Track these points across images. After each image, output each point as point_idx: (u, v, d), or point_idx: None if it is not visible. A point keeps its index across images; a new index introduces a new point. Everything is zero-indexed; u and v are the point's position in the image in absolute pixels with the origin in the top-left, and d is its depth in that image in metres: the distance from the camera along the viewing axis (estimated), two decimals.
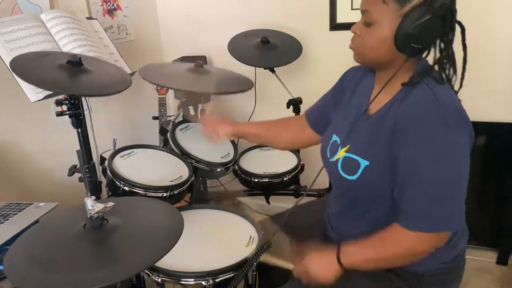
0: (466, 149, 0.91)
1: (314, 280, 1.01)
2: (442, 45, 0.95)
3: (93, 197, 0.90)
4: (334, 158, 1.07)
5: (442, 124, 0.87)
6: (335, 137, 1.11)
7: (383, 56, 0.95)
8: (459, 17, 0.95)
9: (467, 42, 1.00)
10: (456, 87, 1.00)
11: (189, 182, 1.49)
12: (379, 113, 0.99)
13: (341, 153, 1.05)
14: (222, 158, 1.75)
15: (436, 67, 0.98)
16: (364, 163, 0.99)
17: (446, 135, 0.87)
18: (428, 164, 0.89)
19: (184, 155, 1.64)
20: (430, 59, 1.00)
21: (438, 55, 0.97)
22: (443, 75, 0.97)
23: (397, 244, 0.95)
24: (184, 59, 2.30)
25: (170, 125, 1.75)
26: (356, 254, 0.99)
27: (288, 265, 1.08)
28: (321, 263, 1.01)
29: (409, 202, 0.92)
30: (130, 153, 1.56)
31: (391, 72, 0.96)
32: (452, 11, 0.91)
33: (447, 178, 0.89)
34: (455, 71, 0.98)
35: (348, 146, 1.04)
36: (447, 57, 0.96)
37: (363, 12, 0.95)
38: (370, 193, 1.01)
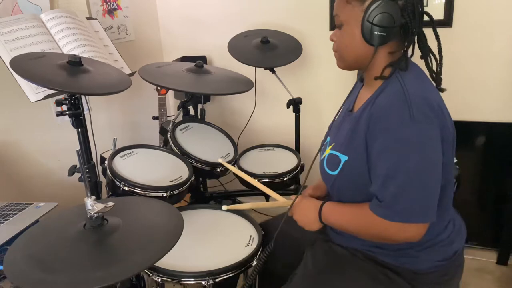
0: (434, 142, 0.92)
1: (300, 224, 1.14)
2: (415, 37, 0.98)
3: (93, 197, 0.90)
4: (322, 157, 1.14)
5: (407, 118, 0.89)
6: (328, 139, 1.17)
7: (358, 53, 1.00)
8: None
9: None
10: (437, 78, 1.04)
11: (189, 182, 1.49)
12: (359, 110, 1.03)
13: (327, 151, 1.11)
14: (222, 158, 1.75)
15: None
16: (343, 158, 1.03)
17: (411, 128, 0.89)
18: (392, 156, 0.91)
19: (184, 155, 1.64)
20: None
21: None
22: (429, 66, 1.02)
23: (369, 226, 1.00)
24: (184, 59, 2.30)
25: (170, 125, 1.75)
26: (334, 219, 1.08)
27: (284, 203, 1.21)
28: (306, 215, 1.13)
29: (378, 193, 0.95)
30: (130, 153, 1.56)
31: (372, 72, 1.01)
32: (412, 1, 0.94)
33: (411, 171, 0.91)
34: (431, 56, 1.02)
35: (333, 144, 1.10)
36: (409, 44, 0.99)
37: (334, 17, 1.03)
38: (352, 187, 1.04)
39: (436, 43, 1.02)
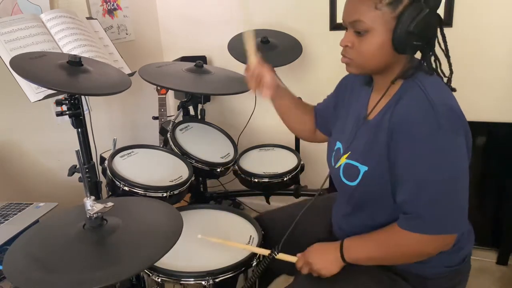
0: (461, 149, 0.91)
1: (315, 272, 1.03)
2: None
3: (93, 197, 0.90)
4: (337, 165, 1.08)
5: (435, 127, 0.87)
6: (338, 144, 1.13)
7: (384, 61, 0.94)
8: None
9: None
10: (448, 78, 1.02)
11: (189, 182, 1.49)
12: (376, 118, 0.99)
13: (343, 160, 1.06)
14: (222, 158, 1.75)
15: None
16: (363, 168, 0.99)
17: (440, 137, 0.87)
18: (423, 166, 0.89)
19: (184, 155, 1.64)
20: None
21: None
22: (434, 68, 0.99)
23: (400, 245, 0.96)
24: (184, 59, 2.30)
25: (170, 125, 1.75)
26: (359, 251, 1.02)
27: (292, 259, 1.10)
28: (324, 257, 1.04)
29: (408, 205, 0.93)
30: (130, 153, 1.56)
31: (388, 75, 0.97)
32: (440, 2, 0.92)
33: (443, 180, 0.89)
34: (438, 60, 0.99)
35: (349, 153, 1.05)
36: (431, 48, 0.96)
37: (353, 22, 0.92)
38: (372, 197, 1.01)
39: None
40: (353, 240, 1.03)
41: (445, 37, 0.98)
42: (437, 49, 0.98)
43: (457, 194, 0.91)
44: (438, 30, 0.96)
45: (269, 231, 1.30)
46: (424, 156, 0.89)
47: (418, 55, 0.99)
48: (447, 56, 0.99)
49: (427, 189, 0.90)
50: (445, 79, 1.01)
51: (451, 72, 1.00)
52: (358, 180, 1.00)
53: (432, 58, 0.98)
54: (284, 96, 1.30)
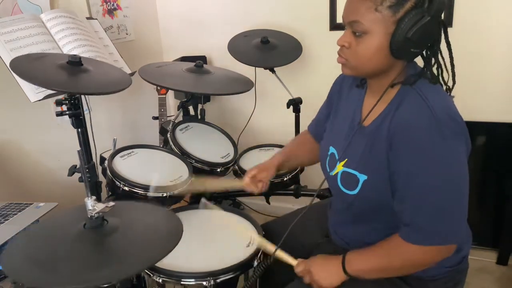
0: (463, 158, 0.90)
1: (315, 283, 1.02)
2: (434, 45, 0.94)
3: (94, 197, 0.90)
4: (333, 172, 1.06)
5: (437, 135, 0.85)
6: (332, 149, 1.10)
7: (380, 65, 0.92)
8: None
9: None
10: (449, 85, 0.99)
11: (189, 182, 1.49)
12: (373, 124, 0.97)
13: (339, 167, 1.03)
14: (222, 158, 1.75)
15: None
16: (362, 177, 0.98)
17: (442, 145, 0.86)
18: (426, 176, 0.88)
19: (184, 155, 1.64)
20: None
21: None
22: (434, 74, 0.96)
23: (402, 256, 0.95)
24: (184, 59, 2.30)
25: (170, 125, 1.75)
26: (361, 264, 1.00)
27: (292, 261, 1.09)
28: (325, 268, 1.02)
29: (410, 216, 0.92)
30: (130, 153, 1.56)
31: (384, 80, 0.95)
32: (443, 11, 0.90)
33: (445, 190, 0.88)
34: (440, 68, 0.96)
35: (346, 160, 1.02)
36: (434, 56, 0.95)
37: (351, 23, 0.90)
38: (373, 205, 1.00)
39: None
40: (355, 253, 1.01)
41: (450, 44, 0.95)
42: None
43: (459, 203, 0.90)
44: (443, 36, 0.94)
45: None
46: (427, 166, 0.87)
47: (420, 61, 0.98)
48: (452, 64, 0.96)
49: (429, 199, 0.89)
50: (445, 86, 0.99)
51: (454, 82, 0.98)
52: (358, 189, 0.98)
53: (435, 66, 0.95)
54: (285, 165, 1.35)
